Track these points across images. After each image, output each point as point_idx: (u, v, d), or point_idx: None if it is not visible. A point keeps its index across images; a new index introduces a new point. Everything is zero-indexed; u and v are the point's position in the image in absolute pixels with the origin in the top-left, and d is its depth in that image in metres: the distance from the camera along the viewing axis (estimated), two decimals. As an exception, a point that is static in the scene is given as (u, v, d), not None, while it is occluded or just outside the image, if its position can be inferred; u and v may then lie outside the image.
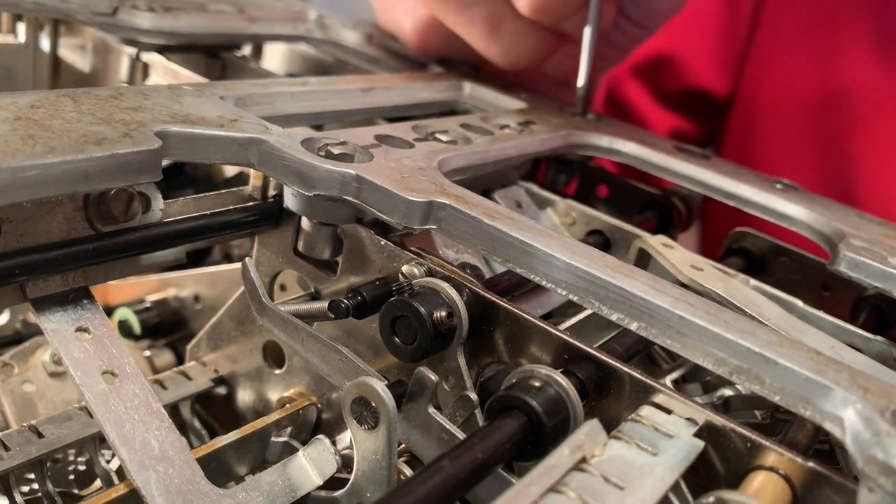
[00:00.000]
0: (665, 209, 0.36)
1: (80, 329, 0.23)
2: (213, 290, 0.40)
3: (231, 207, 0.27)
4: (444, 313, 0.22)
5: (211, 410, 0.33)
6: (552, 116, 0.36)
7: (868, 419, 0.18)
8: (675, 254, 0.28)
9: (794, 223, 0.32)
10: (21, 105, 0.23)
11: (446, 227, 0.24)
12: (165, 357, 0.41)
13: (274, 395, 0.30)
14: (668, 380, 0.27)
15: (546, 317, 0.28)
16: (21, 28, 0.43)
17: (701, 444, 0.20)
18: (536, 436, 0.20)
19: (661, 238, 0.30)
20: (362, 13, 0.52)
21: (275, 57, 0.48)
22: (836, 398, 0.19)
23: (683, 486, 0.20)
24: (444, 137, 0.30)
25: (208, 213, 0.27)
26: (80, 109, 0.23)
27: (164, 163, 0.24)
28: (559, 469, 0.17)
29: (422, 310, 0.22)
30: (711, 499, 0.18)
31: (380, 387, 0.21)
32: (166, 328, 0.41)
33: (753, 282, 0.30)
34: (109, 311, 0.42)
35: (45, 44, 0.43)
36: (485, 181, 0.33)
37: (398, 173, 0.25)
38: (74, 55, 0.43)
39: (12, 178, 0.19)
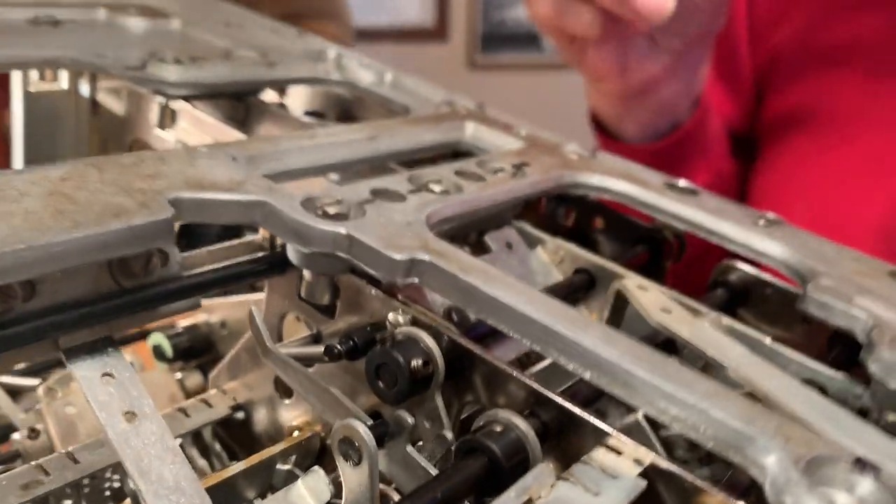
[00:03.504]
0: (656, 243, 0.39)
1: (105, 374, 0.26)
2: (238, 317, 0.43)
3: (242, 259, 0.30)
4: (420, 362, 0.25)
5: (231, 434, 0.36)
6: (548, 156, 0.39)
7: (784, 467, 0.20)
8: (649, 296, 0.31)
9: (771, 260, 0.34)
10: (52, 178, 0.26)
11: (426, 279, 0.27)
12: (195, 378, 0.44)
13: (285, 421, 0.33)
14: (640, 414, 0.29)
15: (527, 355, 0.31)
16: (63, 75, 0.46)
17: (643, 484, 0.22)
18: (497, 475, 0.23)
19: (638, 280, 0.32)
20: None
21: (298, 95, 0.51)
22: (760, 446, 0.21)
23: (627, 521, 0.22)
24: (437, 188, 0.32)
25: (220, 266, 0.30)
26: (104, 179, 0.27)
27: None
28: (504, 510, 0.20)
29: (400, 359, 0.25)
30: (637, 538, 0.20)
31: (362, 428, 0.24)
32: (196, 352, 0.45)
33: (726, 320, 0.32)
34: (145, 334, 0.46)
35: (84, 90, 0.47)
36: (479, 223, 0.35)
37: (386, 230, 0.28)
38: (111, 100, 0.46)
39: (44, 254, 0.23)
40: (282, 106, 0.51)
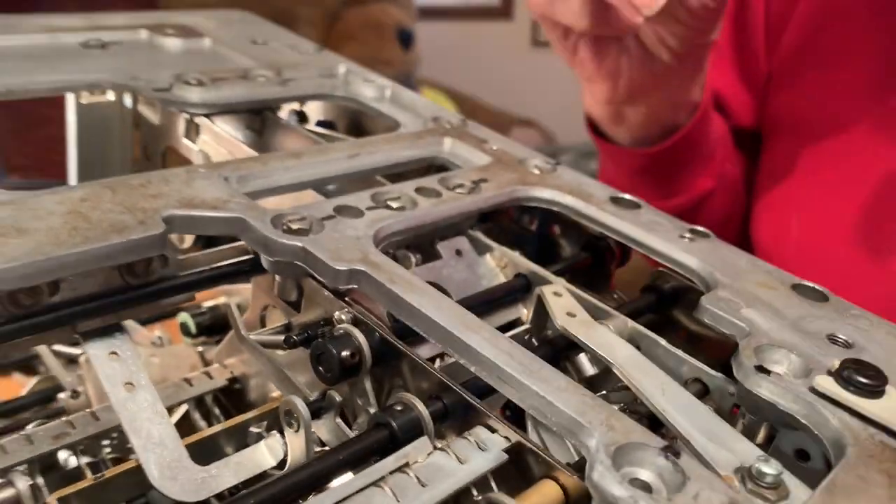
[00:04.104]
0: (599, 251, 0.44)
1: (111, 353, 0.33)
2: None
3: (230, 262, 0.37)
4: (349, 353, 0.31)
5: (232, 401, 0.43)
6: (508, 172, 0.44)
7: (599, 449, 0.26)
8: (560, 301, 0.36)
9: (685, 269, 0.39)
10: (74, 199, 0.33)
11: (363, 287, 0.33)
12: (214, 351, 0.52)
13: (269, 391, 0.40)
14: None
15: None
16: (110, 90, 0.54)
17: (505, 456, 0.28)
18: (395, 445, 0.29)
19: (555, 287, 0.38)
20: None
21: (314, 106, 0.57)
22: (587, 432, 0.27)
23: (493, 484, 0.28)
24: (394, 204, 0.38)
25: (211, 266, 0.37)
26: (115, 199, 0.34)
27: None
28: (384, 470, 0.26)
29: (333, 350, 0.31)
30: (480, 497, 0.26)
31: (300, 403, 0.31)
32: (216, 328, 0.52)
33: (631, 323, 0.37)
34: (175, 313, 0.54)
35: (128, 102, 0.55)
36: (433, 234, 0.41)
37: (336, 244, 0.34)
38: (149, 110, 0.54)
39: (59, 263, 0.30)
40: (301, 114, 0.58)
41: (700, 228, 0.42)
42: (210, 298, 0.54)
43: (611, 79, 0.60)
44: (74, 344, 0.52)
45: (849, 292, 0.39)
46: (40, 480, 0.35)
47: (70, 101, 0.54)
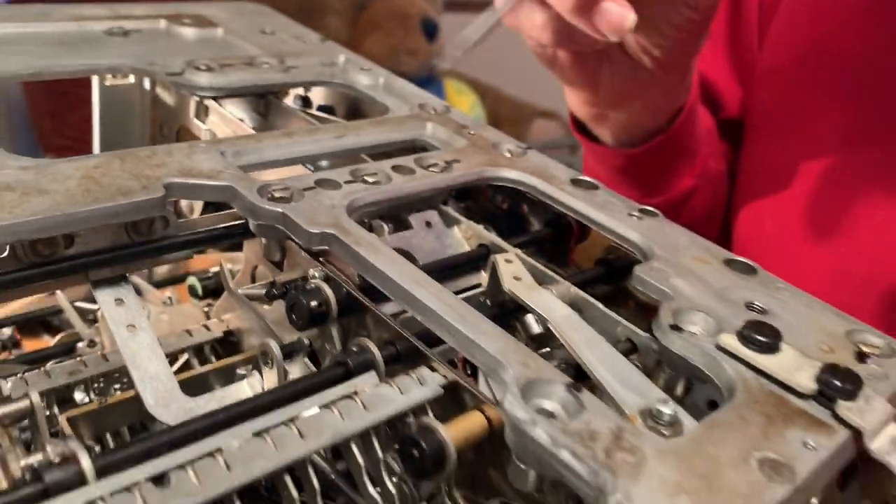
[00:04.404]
0: (559, 227, 0.49)
1: (117, 300, 0.39)
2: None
3: (223, 225, 0.43)
4: (316, 303, 0.37)
5: (227, 351, 0.49)
6: (480, 155, 0.49)
7: (512, 382, 0.31)
8: (510, 267, 0.41)
9: (628, 244, 0.44)
10: (89, 166, 0.39)
11: (333, 248, 0.38)
12: (213, 308, 0.58)
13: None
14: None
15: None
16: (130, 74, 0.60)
17: (441, 390, 0.33)
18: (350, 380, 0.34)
19: (507, 255, 0.42)
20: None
21: (317, 91, 0.62)
22: (505, 368, 0.31)
23: (430, 412, 0.33)
24: (370, 179, 0.43)
25: (207, 229, 0.42)
26: (124, 168, 0.39)
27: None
28: (333, 395, 0.31)
29: (304, 301, 0.37)
30: (413, 421, 0.31)
31: (274, 346, 0.36)
32: (220, 291, 0.57)
33: (574, 289, 0.42)
34: (184, 276, 0.59)
35: (146, 84, 0.60)
36: (407, 207, 0.46)
37: (312, 211, 0.39)
38: (165, 93, 0.59)
39: (73, 219, 0.35)
40: (305, 99, 0.63)
41: (649, 208, 0.46)
42: (215, 265, 0.60)
43: (591, 86, 0.60)
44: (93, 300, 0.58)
45: (824, 296, 0.41)
46: (56, 410, 0.41)
47: (95, 83, 0.60)
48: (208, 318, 0.57)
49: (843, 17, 0.68)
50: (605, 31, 0.48)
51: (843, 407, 0.32)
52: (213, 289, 0.57)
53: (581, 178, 0.49)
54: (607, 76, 0.59)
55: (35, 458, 0.28)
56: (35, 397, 0.34)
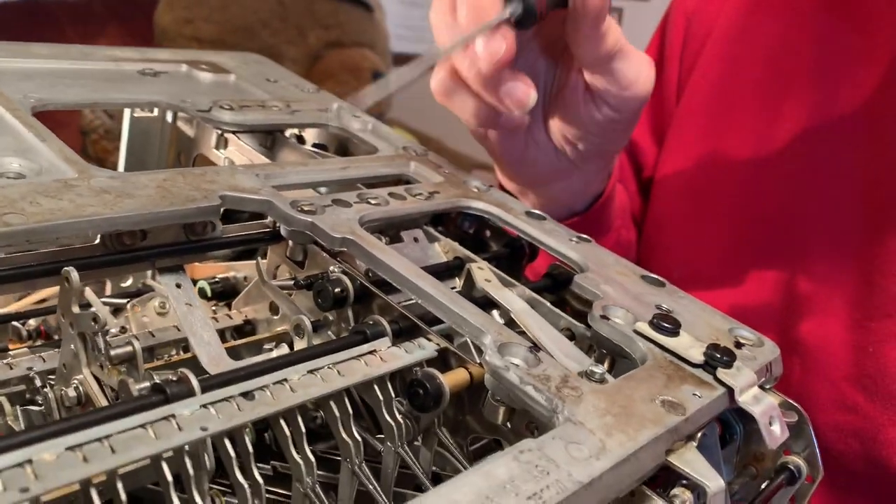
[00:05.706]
0: (514, 249, 0.61)
1: (177, 284, 0.49)
2: (252, 274, 0.67)
3: (256, 232, 0.54)
4: (339, 290, 0.48)
5: (244, 338, 0.59)
6: (454, 189, 0.62)
7: (490, 344, 0.43)
8: (481, 273, 0.53)
9: (569, 260, 0.57)
10: (159, 179, 0.50)
11: (350, 249, 0.50)
12: (223, 311, 0.68)
13: (272, 328, 0.57)
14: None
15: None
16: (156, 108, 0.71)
17: (435, 353, 0.45)
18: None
19: (479, 264, 0.55)
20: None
21: (310, 132, 0.74)
22: (485, 336, 0.43)
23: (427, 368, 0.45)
24: (373, 201, 0.55)
25: (243, 234, 0.53)
26: (186, 182, 0.50)
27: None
28: (359, 351, 0.43)
29: (329, 288, 0.48)
30: (419, 370, 0.43)
31: (306, 319, 0.47)
32: (226, 294, 0.68)
33: (528, 291, 0.54)
34: (195, 281, 0.70)
35: (169, 117, 0.71)
36: (399, 225, 0.58)
37: (333, 222, 0.51)
38: (186, 126, 0.71)
39: (155, 216, 0.46)
40: (300, 137, 0.75)
41: (584, 236, 0.60)
42: (222, 272, 0.70)
43: (516, 165, 0.66)
44: (120, 296, 0.68)
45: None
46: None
47: (126, 114, 0.70)
48: (215, 314, 0.67)
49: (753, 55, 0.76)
50: (509, 105, 0.54)
51: (722, 373, 0.46)
52: (219, 291, 0.68)
53: (533, 210, 0.62)
54: (532, 158, 0.65)
55: (147, 383, 0.39)
56: (137, 345, 0.44)
